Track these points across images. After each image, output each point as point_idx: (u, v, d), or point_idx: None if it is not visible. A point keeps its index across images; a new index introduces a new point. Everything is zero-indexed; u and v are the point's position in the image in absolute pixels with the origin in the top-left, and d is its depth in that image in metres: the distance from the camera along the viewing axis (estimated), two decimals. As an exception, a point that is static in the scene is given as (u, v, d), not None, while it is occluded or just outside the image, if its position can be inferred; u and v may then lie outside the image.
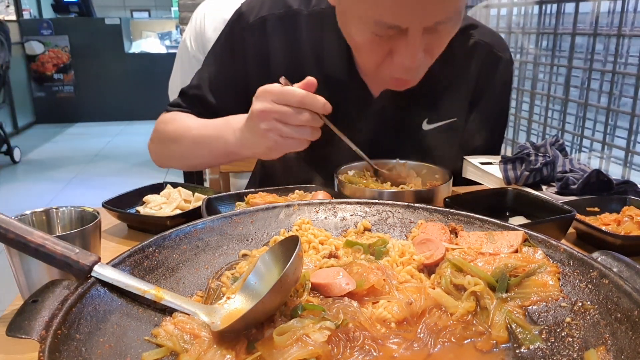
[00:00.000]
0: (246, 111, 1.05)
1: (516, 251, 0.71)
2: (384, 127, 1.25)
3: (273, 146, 1.00)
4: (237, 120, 1.10)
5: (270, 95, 0.97)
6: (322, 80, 1.10)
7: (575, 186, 1.08)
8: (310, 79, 0.97)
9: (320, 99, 0.97)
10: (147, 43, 8.16)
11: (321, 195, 0.98)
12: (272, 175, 1.37)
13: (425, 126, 1.26)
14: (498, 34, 1.36)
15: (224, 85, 1.27)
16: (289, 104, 0.96)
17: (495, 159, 1.23)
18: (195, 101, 1.28)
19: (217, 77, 1.26)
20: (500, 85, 1.32)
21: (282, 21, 1.21)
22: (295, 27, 1.21)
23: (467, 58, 1.25)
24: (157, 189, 1.11)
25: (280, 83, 0.98)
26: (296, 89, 0.96)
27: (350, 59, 1.18)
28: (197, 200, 1.07)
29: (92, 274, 0.60)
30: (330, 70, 1.19)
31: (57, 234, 0.70)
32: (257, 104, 0.99)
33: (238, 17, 1.24)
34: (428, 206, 0.83)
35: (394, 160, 1.17)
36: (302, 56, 1.21)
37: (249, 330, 0.58)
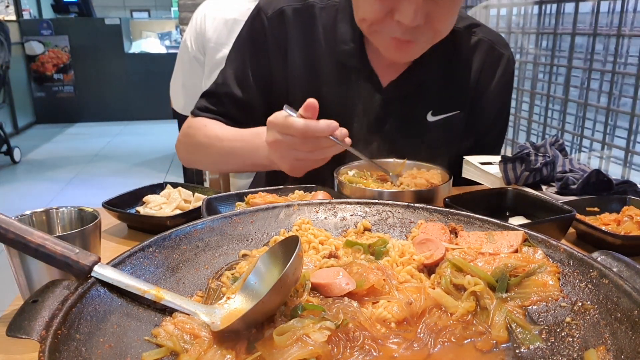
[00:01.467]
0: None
1: (516, 251, 0.71)
2: (390, 117, 1.27)
3: (293, 169, 1.08)
4: (264, 134, 1.12)
5: (276, 127, 1.01)
6: (334, 67, 1.17)
7: (575, 186, 1.08)
8: (310, 103, 0.97)
9: (322, 124, 0.97)
10: (147, 43, 8.16)
11: (321, 195, 0.98)
12: (275, 175, 1.38)
13: (430, 118, 1.29)
14: (499, 34, 1.39)
15: (250, 79, 1.30)
16: (293, 135, 0.99)
17: (495, 159, 1.23)
18: (224, 98, 1.31)
19: (243, 71, 1.30)
20: (502, 82, 1.35)
21: (299, 13, 1.27)
22: (311, 19, 1.27)
23: (470, 54, 1.30)
24: (157, 189, 1.11)
25: (286, 111, 1.01)
26: (296, 121, 0.97)
27: (362, 48, 1.23)
28: (197, 200, 1.07)
29: (92, 274, 0.60)
30: (343, 58, 1.24)
31: (57, 234, 0.70)
32: (268, 135, 1.04)
33: (257, 12, 1.30)
34: (428, 206, 0.83)
35: (393, 161, 1.17)
36: (317, 46, 1.27)
37: (249, 330, 0.58)
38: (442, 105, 1.29)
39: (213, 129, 1.29)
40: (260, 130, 1.15)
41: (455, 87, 1.30)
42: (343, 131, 0.99)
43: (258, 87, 1.30)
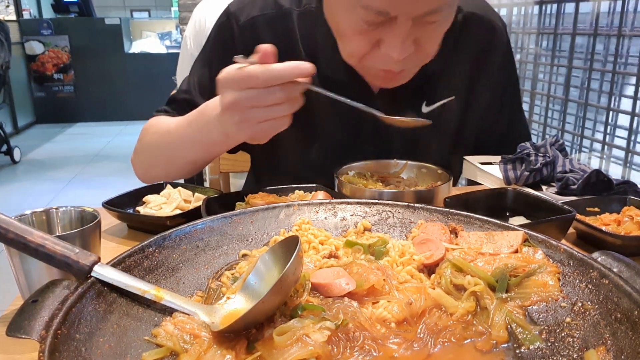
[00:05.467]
0: None
1: (516, 251, 0.71)
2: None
3: (254, 135, 0.94)
4: (211, 108, 1.01)
5: (231, 83, 0.89)
6: (319, 82, 1.06)
7: (575, 186, 1.08)
8: (264, 48, 0.86)
9: (287, 64, 0.86)
10: (147, 43, 8.17)
11: (321, 195, 0.98)
12: (267, 174, 1.36)
13: (424, 109, 1.21)
14: (484, 1, 1.29)
15: (215, 89, 1.21)
16: (254, 85, 0.86)
17: (495, 159, 1.23)
18: (186, 106, 1.19)
19: (209, 80, 1.17)
20: (501, 55, 1.27)
21: (274, 22, 1.17)
22: (288, 27, 1.17)
23: (459, 33, 1.20)
24: (157, 189, 1.11)
25: (237, 62, 0.88)
26: (256, 69, 0.85)
27: None
28: (197, 200, 1.07)
29: (92, 274, 0.60)
30: (328, 72, 1.13)
31: (57, 234, 0.70)
32: (223, 97, 0.91)
33: (227, 18, 1.20)
34: (428, 206, 0.83)
35: (393, 160, 1.17)
36: (296, 57, 1.13)
37: (249, 330, 0.58)
38: (435, 95, 1.20)
39: (164, 122, 1.18)
40: (205, 105, 1.04)
41: (449, 73, 1.21)
42: (309, 69, 0.88)
43: None
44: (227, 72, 0.89)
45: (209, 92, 1.18)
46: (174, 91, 1.36)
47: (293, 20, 1.17)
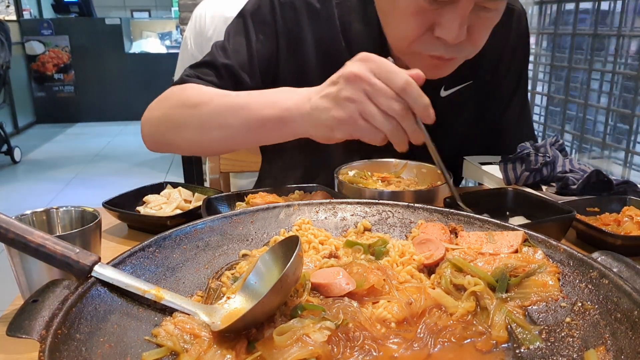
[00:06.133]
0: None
1: (516, 251, 0.71)
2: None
3: (346, 120, 0.82)
4: (296, 90, 0.93)
5: (373, 65, 0.80)
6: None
7: (575, 186, 1.08)
8: (419, 73, 0.81)
9: (426, 99, 0.80)
10: (148, 43, 8.16)
11: (321, 195, 0.98)
12: (275, 176, 1.36)
13: (443, 93, 1.21)
14: None
15: (254, 61, 1.14)
16: (389, 83, 0.79)
17: (496, 159, 1.23)
18: (223, 71, 1.10)
19: (247, 50, 1.13)
20: (517, 40, 1.27)
21: (313, 7, 1.16)
22: (328, 14, 1.16)
23: None
24: (157, 189, 1.11)
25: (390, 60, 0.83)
26: (404, 72, 0.79)
27: (383, 46, 1.13)
28: (197, 200, 1.07)
29: (93, 273, 0.60)
30: None
31: (58, 234, 0.70)
32: (352, 66, 0.82)
33: None
34: (428, 206, 0.83)
35: (393, 161, 1.17)
36: (333, 41, 1.15)
37: (249, 330, 0.58)
38: (454, 78, 1.18)
39: (211, 89, 1.06)
40: (288, 88, 0.95)
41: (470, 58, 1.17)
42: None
43: (262, 74, 1.15)
44: (376, 56, 0.82)
45: (247, 66, 1.13)
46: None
47: (333, 7, 1.16)
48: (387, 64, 0.81)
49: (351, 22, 1.16)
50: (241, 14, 1.18)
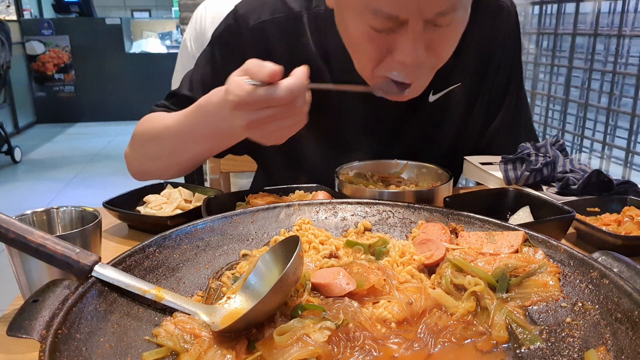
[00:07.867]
0: None
1: (517, 251, 0.71)
2: (394, 113, 1.19)
3: (275, 140, 0.91)
4: (213, 104, 0.96)
5: (249, 107, 0.85)
6: (330, 82, 1.04)
7: (575, 186, 1.08)
8: (272, 69, 0.83)
9: (300, 78, 0.84)
10: (148, 43, 8.17)
11: (321, 195, 0.98)
12: (272, 176, 1.37)
13: (431, 98, 1.20)
14: None
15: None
16: (276, 106, 0.85)
17: (496, 159, 1.23)
18: (186, 102, 1.11)
19: (213, 80, 1.12)
20: (508, 38, 1.23)
21: (284, 25, 1.14)
22: (299, 31, 1.14)
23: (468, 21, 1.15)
24: (157, 188, 1.11)
25: (250, 82, 0.84)
26: (277, 89, 0.83)
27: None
28: (197, 200, 1.07)
29: (93, 273, 0.60)
30: (340, 74, 1.12)
31: (58, 234, 0.70)
32: (238, 119, 0.87)
33: (235, 21, 1.15)
34: (428, 206, 0.83)
35: (393, 161, 1.17)
36: (308, 60, 1.09)
37: (249, 330, 0.58)
38: (442, 81, 1.17)
39: (161, 117, 1.12)
40: (208, 97, 0.97)
41: (455, 60, 1.13)
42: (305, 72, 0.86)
43: None
44: (239, 96, 0.85)
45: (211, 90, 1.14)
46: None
47: (304, 23, 1.14)
48: (262, 99, 0.84)
49: (326, 36, 1.13)
50: (210, 42, 1.20)
